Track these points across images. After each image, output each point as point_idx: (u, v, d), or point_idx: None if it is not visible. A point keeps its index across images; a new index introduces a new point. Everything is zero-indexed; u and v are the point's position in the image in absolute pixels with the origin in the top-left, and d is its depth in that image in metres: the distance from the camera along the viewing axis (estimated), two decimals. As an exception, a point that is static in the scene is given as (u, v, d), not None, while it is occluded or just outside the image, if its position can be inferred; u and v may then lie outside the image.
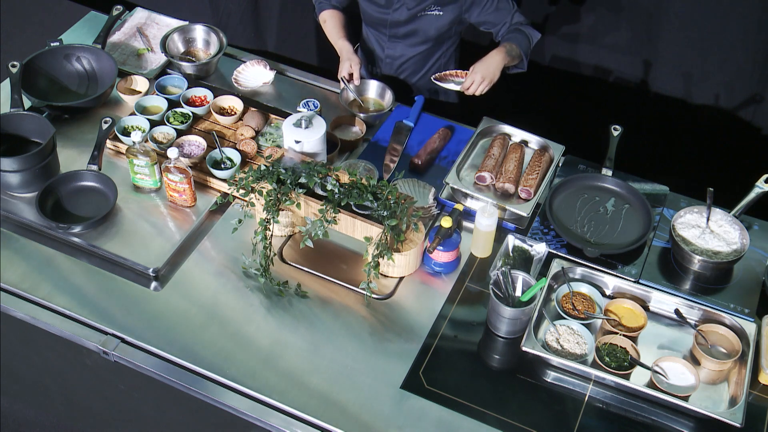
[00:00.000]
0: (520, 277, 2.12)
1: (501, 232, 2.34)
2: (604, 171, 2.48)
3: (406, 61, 2.88)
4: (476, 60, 2.61)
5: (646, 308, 2.19)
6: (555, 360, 2.03)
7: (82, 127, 2.62)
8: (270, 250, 2.20)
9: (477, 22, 2.75)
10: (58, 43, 2.76)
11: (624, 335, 2.08)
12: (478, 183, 2.44)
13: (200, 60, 2.88)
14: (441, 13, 2.71)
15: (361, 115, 2.66)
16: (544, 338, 2.10)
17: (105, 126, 2.46)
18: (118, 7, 2.90)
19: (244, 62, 2.85)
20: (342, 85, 2.73)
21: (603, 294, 2.22)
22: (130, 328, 2.13)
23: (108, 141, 2.54)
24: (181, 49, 2.92)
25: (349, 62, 2.70)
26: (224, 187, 2.42)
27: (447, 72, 2.69)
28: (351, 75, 2.70)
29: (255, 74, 2.82)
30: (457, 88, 2.64)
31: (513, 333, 2.11)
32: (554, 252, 2.31)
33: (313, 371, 2.05)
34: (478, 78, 2.58)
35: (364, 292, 2.16)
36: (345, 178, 2.26)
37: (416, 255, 2.24)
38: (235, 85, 2.77)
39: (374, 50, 2.93)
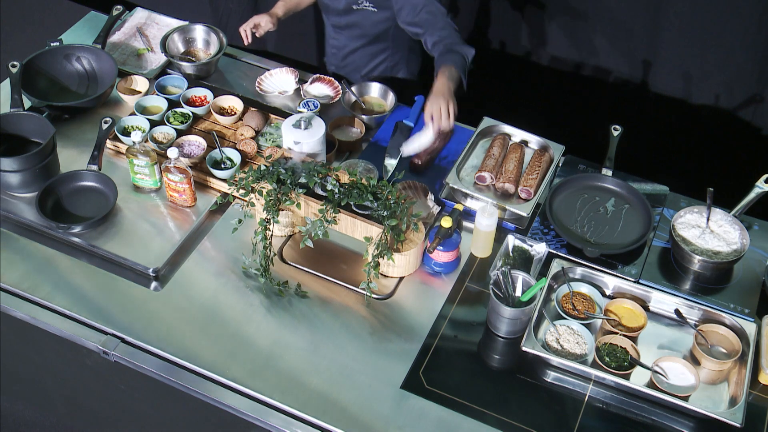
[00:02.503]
0: (520, 277, 2.12)
1: (501, 232, 2.34)
2: (604, 171, 2.48)
3: (350, 54, 2.93)
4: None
5: (646, 308, 2.19)
6: (555, 360, 2.03)
7: (82, 127, 2.62)
8: (270, 250, 2.20)
9: (407, 23, 2.67)
10: (58, 43, 2.76)
11: (624, 335, 2.08)
12: (478, 183, 2.44)
13: (200, 60, 2.88)
14: (375, 9, 2.74)
15: (363, 117, 2.66)
16: (544, 338, 2.10)
17: (105, 126, 2.46)
18: (118, 7, 2.90)
19: (268, 69, 2.84)
20: (243, 36, 2.82)
21: (603, 294, 2.22)
22: (130, 328, 2.13)
23: (108, 141, 2.54)
24: (181, 49, 2.92)
25: (259, 17, 2.82)
26: (224, 187, 2.42)
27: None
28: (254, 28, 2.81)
29: (280, 81, 2.81)
30: (426, 139, 2.44)
31: (513, 333, 2.11)
32: (554, 252, 2.31)
33: (313, 371, 2.05)
34: (437, 107, 2.39)
35: (364, 292, 2.16)
36: (345, 178, 2.26)
37: (416, 255, 2.24)
38: (258, 90, 2.76)
39: (326, 39, 3.02)
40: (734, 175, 2.80)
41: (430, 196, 2.40)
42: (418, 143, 2.46)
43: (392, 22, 2.78)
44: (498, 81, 3.60)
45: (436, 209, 2.39)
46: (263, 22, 2.84)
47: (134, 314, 2.16)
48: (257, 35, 2.84)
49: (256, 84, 2.76)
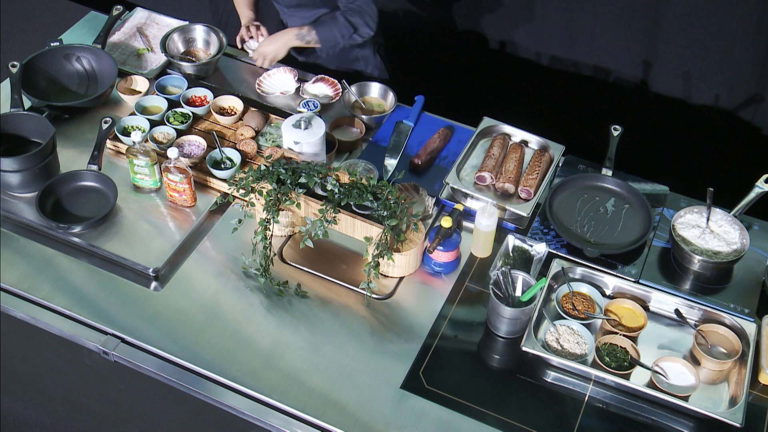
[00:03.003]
0: (520, 277, 2.12)
1: (501, 232, 2.34)
2: (604, 171, 2.48)
3: None
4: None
5: (646, 308, 2.19)
6: (555, 360, 2.03)
7: (82, 127, 2.62)
8: (270, 250, 2.20)
9: None
10: (58, 43, 2.76)
11: (624, 335, 2.08)
12: (478, 183, 2.44)
13: (200, 60, 2.88)
14: None
15: (363, 117, 2.66)
16: (544, 338, 2.10)
17: (105, 126, 2.46)
18: (118, 7, 2.90)
19: (268, 70, 2.84)
20: (240, 46, 2.90)
21: (603, 294, 2.22)
22: (130, 328, 2.13)
23: (108, 141, 2.54)
24: (181, 49, 2.92)
25: (247, 27, 2.88)
26: (224, 187, 2.42)
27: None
28: (250, 37, 2.87)
29: (279, 81, 2.81)
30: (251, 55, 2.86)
31: (513, 333, 2.11)
32: (554, 252, 2.31)
33: (313, 371, 2.05)
34: (261, 52, 2.78)
35: (364, 292, 2.17)
36: (345, 178, 2.26)
37: (416, 255, 2.24)
38: (258, 91, 2.76)
39: (282, 26, 3.01)
40: (734, 175, 2.80)
41: (423, 193, 2.40)
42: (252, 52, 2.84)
43: None
44: (498, 81, 3.60)
45: (430, 201, 2.38)
46: (258, 30, 2.87)
47: (134, 314, 2.16)
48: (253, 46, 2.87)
49: (256, 85, 2.76)
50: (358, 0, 2.74)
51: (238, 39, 2.92)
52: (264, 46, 2.78)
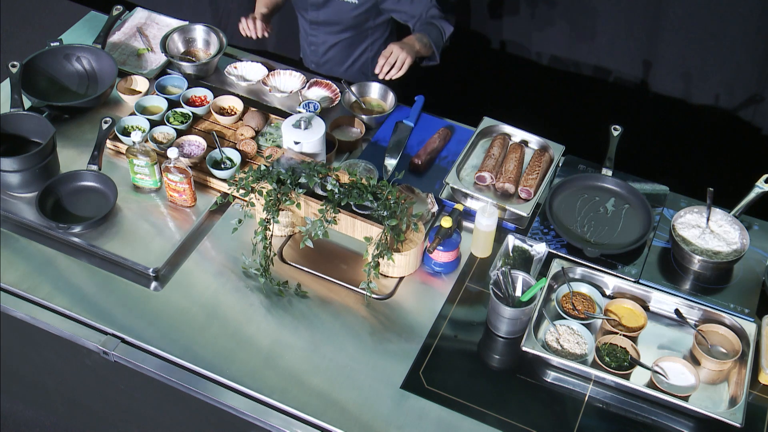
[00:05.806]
0: (520, 277, 2.12)
1: (501, 232, 2.34)
2: (604, 171, 2.48)
3: (329, 50, 2.95)
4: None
5: (646, 308, 2.19)
6: (555, 360, 2.04)
7: (82, 127, 2.62)
8: (270, 250, 2.20)
9: (390, 10, 2.84)
10: (58, 43, 2.76)
11: (624, 335, 2.08)
12: (478, 183, 2.44)
13: (200, 60, 2.88)
14: (356, 1, 2.79)
15: (363, 117, 2.66)
16: (544, 338, 2.10)
17: (105, 126, 2.46)
18: (118, 7, 2.90)
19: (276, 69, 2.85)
20: (242, 28, 2.83)
21: (603, 294, 2.22)
22: (130, 328, 2.13)
23: (108, 141, 2.54)
24: (181, 49, 2.92)
25: (253, 17, 2.84)
26: (224, 187, 2.42)
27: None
28: (251, 25, 2.82)
29: (284, 82, 2.83)
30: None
31: (513, 333, 2.11)
32: (554, 252, 2.31)
33: (313, 371, 2.05)
34: (395, 54, 2.63)
35: (364, 292, 2.17)
36: (345, 178, 2.26)
37: (416, 255, 2.24)
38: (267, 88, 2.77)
39: (303, 39, 3.04)
40: (734, 175, 2.80)
41: (418, 191, 2.40)
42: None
43: (371, 12, 2.82)
44: (498, 81, 3.60)
45: (432, 198, 2.38)
46: (258, 20, 2.85)
47: (134, 314, 2.16)
48: (266, 33, 2.84)
49: (262, 81, 2.77)
50: (427, 11, 2.78)
51: (240, 25, 2.85)
52: (395, 50, 2.65)
